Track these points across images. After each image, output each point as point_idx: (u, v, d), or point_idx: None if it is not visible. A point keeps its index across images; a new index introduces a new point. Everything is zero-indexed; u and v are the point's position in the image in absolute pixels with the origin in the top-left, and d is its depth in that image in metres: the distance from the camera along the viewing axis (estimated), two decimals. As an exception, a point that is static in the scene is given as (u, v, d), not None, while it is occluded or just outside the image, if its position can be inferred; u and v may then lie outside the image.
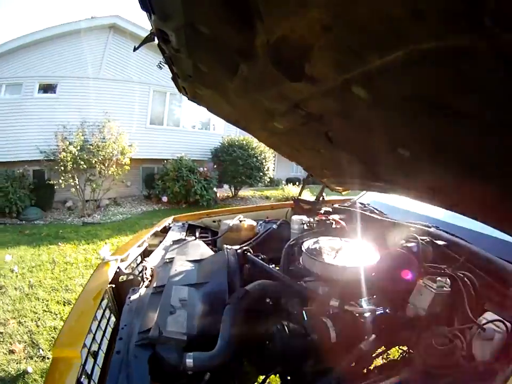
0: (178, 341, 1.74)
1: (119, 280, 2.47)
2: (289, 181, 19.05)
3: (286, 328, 1.83)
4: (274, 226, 3.50)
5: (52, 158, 11.86)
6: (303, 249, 2.40)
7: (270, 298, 2.18)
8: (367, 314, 2.01)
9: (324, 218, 3.26)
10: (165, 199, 13.69)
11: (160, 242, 3.25)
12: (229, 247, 2.73)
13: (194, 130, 17.52)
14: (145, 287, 2.31)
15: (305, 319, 2.02)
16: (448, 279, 1.98)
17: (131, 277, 2.56)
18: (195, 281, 2.30)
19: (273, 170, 17.42)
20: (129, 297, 2.16)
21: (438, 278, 1.95)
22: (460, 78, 0.84)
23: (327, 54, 1.12)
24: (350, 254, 2.37)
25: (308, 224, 3.23)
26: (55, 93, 13.36)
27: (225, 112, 2.87)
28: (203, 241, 3.28)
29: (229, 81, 1.84)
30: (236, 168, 14.90)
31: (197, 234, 3.58)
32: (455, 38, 0.70)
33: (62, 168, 11.39)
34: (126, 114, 14.32)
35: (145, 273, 2.47)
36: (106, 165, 12.32)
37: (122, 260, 2.66)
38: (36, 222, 11.19)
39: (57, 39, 13.09)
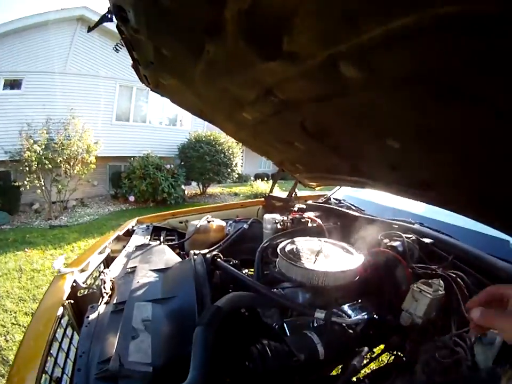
0: (143, 373, 1.47)
1: (78, 295, 2.24)
2: (257, 176, 19.22)
3: (267, 347, 1.59)
4: (245, 226, 3.29)
5: (18, 158, 11.47)
6: (278, 252, 2.18)
7: (246, 310, 1.96)
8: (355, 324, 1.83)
9: (298, 216, 3.08)
10: (131, 198, 13.49)
11: (124, 247, 3.00)
12: (196, 252, 2.49)
13: (161, 126, 17.35)
14: (105, 303, 2.05)
15: (288, 333, 1.84)
16: (440, 281, 1.82)
17: (91, 290, 2.33)
18: (159, 295, 2.03)
19: (241, 166, 17.38)
20: (88, 317, 1.89)
21: (431, 281, 1.80)
22: (486, 52, 0.68)
23: (312, 22, 0.91)
24: (331, 257, 2.18)
25: (282, 223, 3.01)
26: (20, 89, 12.91)
27: (190, 103, 2.67)
28: (169, 245, 3.05)
29: (193, 66, 1.64)
30: (203, 164, 14.79)
31: (162, 237, 3.35)
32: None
33: (27, 168, 11.00)
34: (92, 111, 14.03)
35: (104, 287, 2.19)
36: (71, 164, 12.00)
37: (82, 270, 2.43)
38: (3, 227, 10.74)
39: (23, 32, 12.60)
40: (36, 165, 10.99)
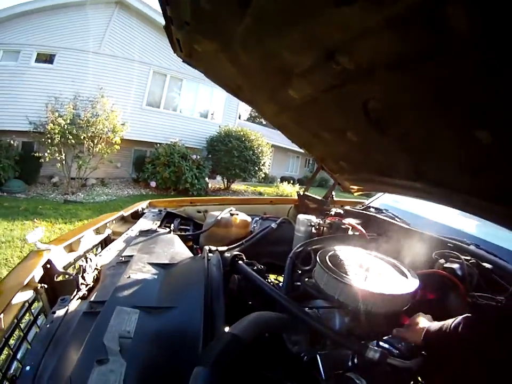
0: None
1: (55, 279, 1.78)
2: (283, 179, 19.04)
3: None
4: (274, 225, 2.89)
5: (41, 131, 11.51)
6: (317, 260, 1.75)
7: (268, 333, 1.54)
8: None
9: (337, 221, 2.67)
10: (153, 184, 13.41)
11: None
12: (213, 248, 2.10)
13: (192, 116, 17.18)
14: (80, 298, 1.62)
15: (321, 370, 1.40)
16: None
17: (69, 276, 1.85)
18: (153, 302, 1.53)
19: (269, 166, 17.01)
20: (54, 312, 1.47)
21: None
22: None
23: None
24: (383, 275, 1.76)
25: (318, 227, 2.61)
26: (52, 63, 13.05)
27: (226, 77, 2.31)
28: (181, 235, 2.61)
29: (237, 22, 1.39)
30: (231, 159, 14.61)
31: (174, 225, 2.92)
32: None
33: (49, 140, 11.03)
34: (122, 93, 14.08)
35: (82, 276, 1.73)
36: (95, 142, 11.95)
37: (71, 250, 2.01)
38: (18, 195, 10.87)
39: (60, 9, 12.87)
40: (59, 139, 11.00)
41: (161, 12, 1.71)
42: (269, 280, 1.99)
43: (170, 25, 1.83)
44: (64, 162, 11.41)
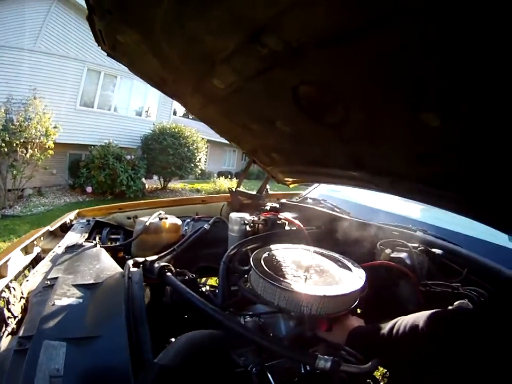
0: None
1: None
2: (220, 174, 19.11)
3: None
4: (206, 226, 2.71)
5: None
6: (251, 264, 1.62)
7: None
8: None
9: (272, 216, 2.56)
10: (89, 189, 12.99)
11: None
12: (139, 260, 1.93)
13: (126, 115, 16.79)
14: (10, 333, 1.45)
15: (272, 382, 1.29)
16: (468, 302, 1.49)
17: None
18: (80, 331, 1.36)
19: (205, 162, 16.99)
20: None
21: (458, 302, 1.46)
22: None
23: None
24: (325, 273, 1.65)
25: (252, 225, 2.49)
26: None
27: (150, 68, 2.19)
28: (110, 247, 2.44)
29: (157, 5, 1.29)
30: (166, 157, 14.42)
31: (102, 236, 2.74)
32: None
33: None
34: (56, 93, 13.34)
35: (8, 309, 1.54)
36: (28, 148, 11.21)
37: (0, 276, 1.77)
38: None
39: None
40: None
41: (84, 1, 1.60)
42: (204, 289, 1.85)
43: (92, 15, 1.73)
44: None
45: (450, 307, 1.42)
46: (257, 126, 2.15)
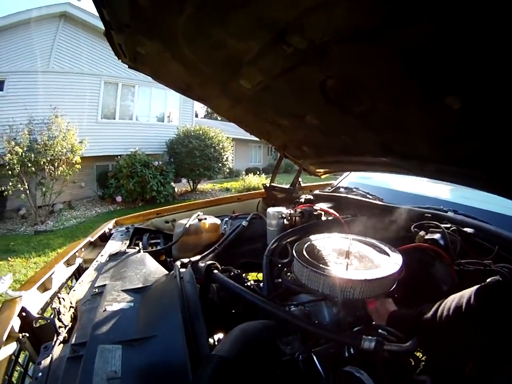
0: None
1: (35, 325, 1.66)
2: (248, 171, 19.04)
3: None
4: (244, 223, 2.78)
5: (1, 163, 10.79)
6: (294, 254, 1.66)
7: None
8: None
9: (308, 208, 2.57)
10: (119, 198, 13.03)
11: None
12: (185, 261, 2.00)
13: (148, 122, 16.89)
14: (62, 342, 1.50)
15: (319, 368, 1.31)
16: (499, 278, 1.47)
17: (47, 320, 1.72)
18: (134, 333, 1.43)
19: (232, 160, 16.95)
20: (39, 363, 1.36)
21: (490, 280, 1.39)
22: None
23: None
24: (364, 259, 1.68)
25: (289, 218, 2.51)
26: (2, 90, 12.27)
27: (175, 76, 2.24)
28: (152, 251, 2.50)
29: (178, 12, 1.32)
30: (193, 160, 14.42)
31: (143, 242, 2.79)
32: None
33: (9, 172, 10.35)
34: (76, 109, 13.42)
35: (59, 319, 1.60)
36: (56, 165, 11.40)
37: (45, 289, 1.88)
38: None
39: (5, 31, 12.08)
40: (19, 168, 10.37)
41: (99, 17, 1.63)
42: (249, 283, 1.89)
43: (110, 30, 1.75)
44: (28, 191, 10.84)
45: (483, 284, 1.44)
46: (286, 122, 2.18)
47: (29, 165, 10.38)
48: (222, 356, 1.17)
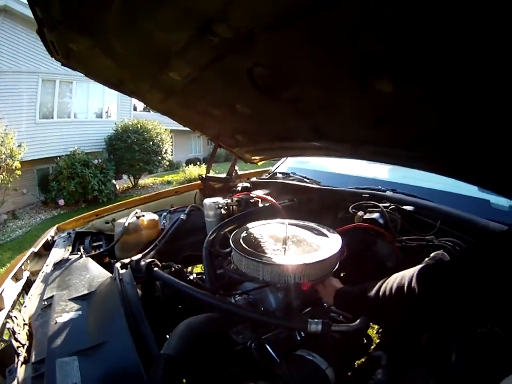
0: None
1: None
2: (189, 162, 18.99)
3: None
4: (183, 216, 2.75)
5: None
6: (231, 244, 1.67)
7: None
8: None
9: (244, 196, 2.60)
10: (61, 202, 12.66)
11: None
12: (125, 261, 1.98)
13: (87, 119, 16.36)
14: (23, 363, 1.43)
15: (273, 354, 1.34)
16: (444, 252, 1.54)
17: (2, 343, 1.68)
18: (87, 342, 1.42)
19: (172, 153, 16.82)
20: None
21: (434, 254, 1.51)
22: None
23: None
24: (303, 242, 1.70)
25: (226, 207, 2.52)
26: None
27: (106, 71, 2.21)
28: (94, 255, 2.46)
29: (107, 9, 1.33)
30: (132, 155, 14.25)
31: (85, 245, 2.72)
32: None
33: None
34: (14, 111, 12.77)
35: (15, 338, 1.54)
36: None
37: None
38: None
39: None
40: None
41: (33, 15, 1.60)
42: (192, 277, 1.89)
43: (42, 28, 1.73)
44: None
45: (426, 259, 1.48)
46: (218, 112, 2.19)
47: None
48: (169, 354, 1.18)
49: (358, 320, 1.32)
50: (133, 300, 1.60)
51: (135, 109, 19.38)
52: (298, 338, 1.44)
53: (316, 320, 1.27)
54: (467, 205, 2.03)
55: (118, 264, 1.92)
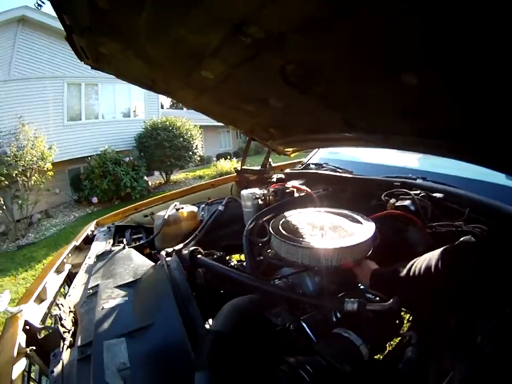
0: None
1: (39, 337, 1.69)
2: (219, 156, 18.96)
3: (299, 369, 1.15)
4: (221, 207, 2.86)
5: None
6: (271, 232, 1.76)
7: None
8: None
9: (280, 187, 2.67)
10: (94, 200, 12.86)
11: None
12: (169, 250, 2.08)
13: (115, 119, 16.52)
14: (68, 347, 1.54)
15: (310, 335, 1.43)
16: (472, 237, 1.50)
17: (49, 329, 1.74)
18: (134, 325, 1.51)
19: (202, 148, 16.88)
20: (52, 372, 1.40)
21: (463, 239, 1.45)
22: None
23: None
24: (339, 229, 1.77)
25: (263, 198, 2.60)
26: None
27: (138, 73, 2.29)
28: (135, 246, 2.57)
29: (137, 12, 1.35)
30: (163, 151, 14.34)
31: (126, 238, 2.87)
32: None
33: None
34: (42, 115, 13.01)
35: (62, 324, 1.64)
36: (28, 175, 11.02)
37: (41, 300, 1.90)
38: None
39: None
40: None
41: (60, 22, 1.64)
42: (232, 263, 1.98)
43: (71, 34, 1.78)
44: (4, 207, 10.49)
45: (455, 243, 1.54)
46: (251, 107, 2.25)
47: (2, 178, 10.02)
48: (217, 330, 1.26)
49: (391, 300, 1.38)
50: (182, 283, 1.69)
51: (162, 106, 19.42)
52: (334, 320, 1.52)
53: (352, 299, 1.35)
54: (495, 192, 2.03)
55: (163, 252, 2.02)
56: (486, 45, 0.89)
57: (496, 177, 2.06)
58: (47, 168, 11.42)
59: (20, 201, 10.69)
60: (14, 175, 10.36)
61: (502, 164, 1.49)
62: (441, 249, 1.32)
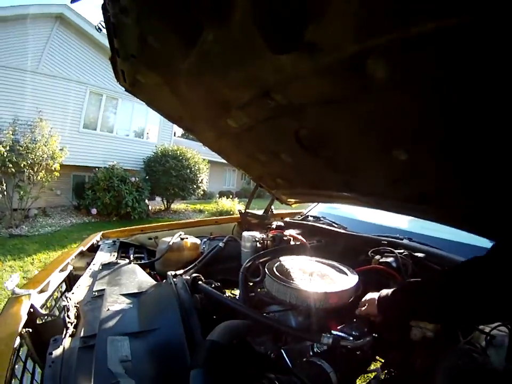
0: None
1: (37, 322, 1.84)
2: (222, 194, 19.00)
3: (276, 382, 1.34)
4: (221, 244, 3.04)
5: None
6: (266, 272, 1.98)
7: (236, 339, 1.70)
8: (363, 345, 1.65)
9: (279, 234, 2.87)
10: (94, 211, 12.84)
11: (88, 264, 2.67)
12: (177, 272, 2.27)
13: (128, 137, 16.63)
14: (70, 335, 1.66)
15: (288, 362, 1.61)
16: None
17: (51, 317, 1.96)
18: (137, 327, 1.69)
19: (207, 182, 17.00)
20: (51, 353, 1.51)
21: None
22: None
23: (352, 7, 0.83)
24: (326, 276, 2.01)
25: (262, 242, 2.81)
26: None
27: (168, 106, 2.44)
28: (141, 264, 2.76)
29: (183, 59, 1.50)
30: (169, 179, 14.37)
31: (131, 254, 3.06)
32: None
33: None
34: (60, 115, 13.11)
35: (68, 315, 1.78)
36: (35, 169, 11.05)
37: (42, 291, 2.06)
38: None
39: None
40: None
41: (108, 43, 1.76)
42: (227, 295, 2.17)
43: (116, 56, 1.89)
44: (5, 193, 10.57)
45: None
46: (264, 157, 2.43)
47: (10, 165, 10.15)
48: (213, 340, 1.45)
49: (362, 340, 1.60)
50: (186, 298, 1.88)
51: (174, 133, 19.63)
52: (311, 353, 1.69)
53: (328, 335, 1.56)
54: (475, 254, 2.18)
55: (170, 273, 2.21)
56: (467, 135, 1.10)
57: (479, 240, 2.15)
58: (54, 168, 11.53)
59: (22, 192, 10.73)
60: (22, 166, 10.46)
61: (477, 228, 1.66)
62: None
